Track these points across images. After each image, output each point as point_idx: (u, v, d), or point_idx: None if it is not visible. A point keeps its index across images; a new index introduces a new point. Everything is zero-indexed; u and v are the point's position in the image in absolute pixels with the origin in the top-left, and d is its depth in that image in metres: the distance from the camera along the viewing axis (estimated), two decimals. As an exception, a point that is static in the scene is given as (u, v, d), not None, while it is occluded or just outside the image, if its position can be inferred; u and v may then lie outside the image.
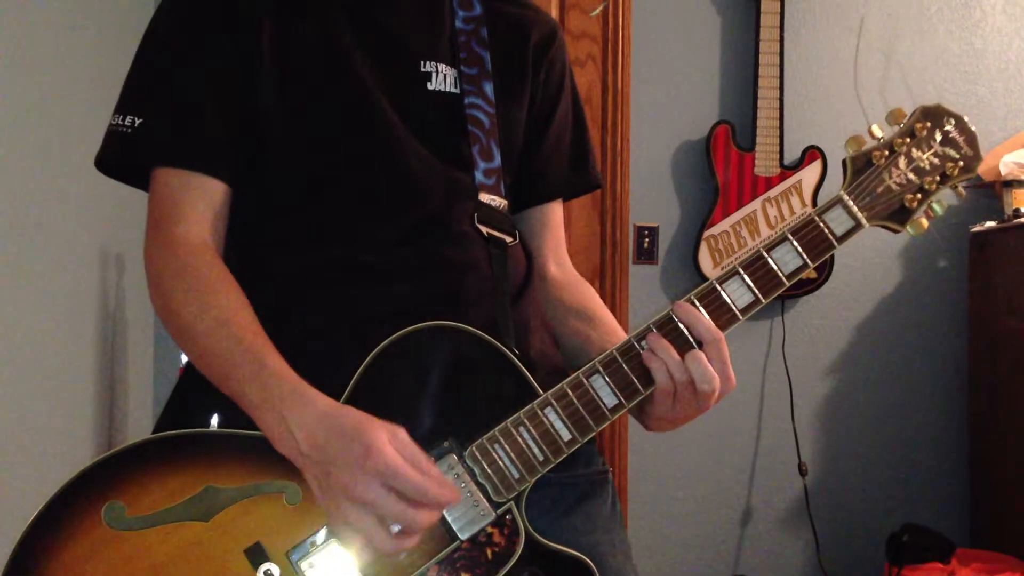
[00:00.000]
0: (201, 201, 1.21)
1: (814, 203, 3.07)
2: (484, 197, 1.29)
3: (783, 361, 3.13)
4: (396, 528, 1.05)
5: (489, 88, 1.31)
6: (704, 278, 3.01)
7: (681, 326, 1.14)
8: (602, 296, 2.26)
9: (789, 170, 3.08)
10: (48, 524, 1.08)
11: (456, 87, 1.30)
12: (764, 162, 3.06)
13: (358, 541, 1.06)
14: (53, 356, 2.02)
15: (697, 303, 1.15)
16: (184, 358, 2.55)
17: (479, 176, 1.29)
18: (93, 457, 2.16)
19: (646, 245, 3.11)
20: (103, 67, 2.27)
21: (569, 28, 3.07)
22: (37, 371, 1.94)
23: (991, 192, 3.07)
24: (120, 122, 1.23)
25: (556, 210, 1.44)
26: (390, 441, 1.04)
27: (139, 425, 2.55)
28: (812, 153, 3.09)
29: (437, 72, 1.29)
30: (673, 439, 3.09)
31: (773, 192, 3.06)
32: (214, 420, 1.16)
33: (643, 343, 1.15)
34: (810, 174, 3.08)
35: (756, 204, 3.06)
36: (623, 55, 3.07)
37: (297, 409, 1.07)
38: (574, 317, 1.36)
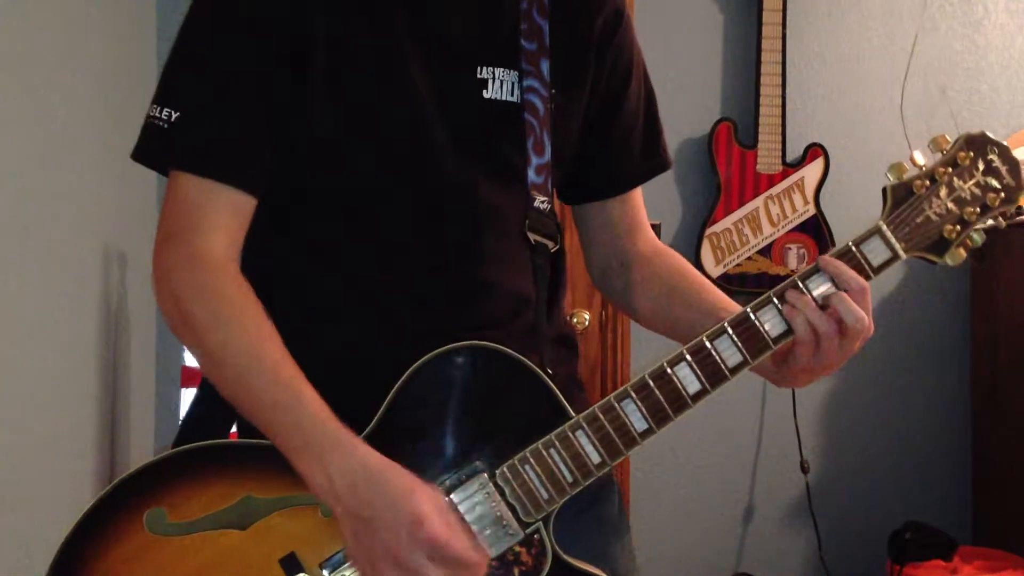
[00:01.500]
0: (227, 214, 1.15)
1: (816, 200, 3.06)
2: (535, 200, 1.24)
3: (785, 358, 3.12)
4: None
5: (546, 67, 1.25)
6: (706, 275, 3.00)
7: (803, 286, 1.14)
8: (605, 294, 2.24)
9: (791, 167, 3.07)
10: (91, 528, 1.09)
11: (513, 94, 1.23)
12: (766, 159, 3.06)
13: None
14: (55, 354, 2.02)
15: (730, 330, 1.14)
16: (187, 356, 2.55)
17: (531, 175, 1.24)
18: (95, 455, 2.16)
19: (648, 242, 3.10)
20: (105, 65, 2.27)
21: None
22: (39, 369, 1.93)
23: (993, 189, 3.07)
24: (156, 114, 1.15)
25: (634, 192, 1.40)
26: (437, 511, 1.05)
27: (141, 423, 2.55)
28: (814, 150, 3.08)
29: (494, 79, 1.22)
30: (674, 437, 3.08)
31: (775, 189, 3.06)
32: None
33: (677, 367, 1.13)
34: (812, 171, 3.07)
35: (758, 201, 3.05)
36: (625, 52, 3.06)
37: (339, 458, 1.06)
38: (678, 283, 1.34)
